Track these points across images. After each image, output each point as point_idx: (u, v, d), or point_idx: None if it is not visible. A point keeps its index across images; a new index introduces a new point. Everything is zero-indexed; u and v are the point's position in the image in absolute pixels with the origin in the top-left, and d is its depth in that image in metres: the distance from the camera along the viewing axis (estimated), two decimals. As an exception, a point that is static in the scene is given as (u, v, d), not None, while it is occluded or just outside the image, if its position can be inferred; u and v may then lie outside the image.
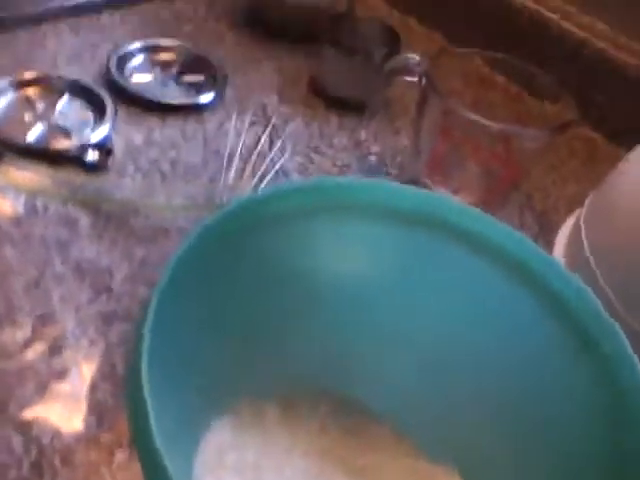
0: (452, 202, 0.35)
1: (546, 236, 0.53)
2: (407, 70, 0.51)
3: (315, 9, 0.67)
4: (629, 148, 0.46)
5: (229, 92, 0.60)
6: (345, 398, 0.38)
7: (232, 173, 0.50)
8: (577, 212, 0.50)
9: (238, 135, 0.55)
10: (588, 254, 0.43)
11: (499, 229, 0.34)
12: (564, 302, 0.32)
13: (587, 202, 0.48)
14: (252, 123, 0.57)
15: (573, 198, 0.58)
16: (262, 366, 0.35)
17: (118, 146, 0.51)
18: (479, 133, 0.49)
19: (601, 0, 0.65)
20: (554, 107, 0.52)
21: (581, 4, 0.66)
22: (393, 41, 0.61)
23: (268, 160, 0.53)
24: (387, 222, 0.35)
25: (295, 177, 0.53)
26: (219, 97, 0.58)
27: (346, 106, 0.61)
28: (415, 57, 0.51)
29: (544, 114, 0.52)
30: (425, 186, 0.54)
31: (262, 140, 0.55)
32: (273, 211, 0.32)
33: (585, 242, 0.45)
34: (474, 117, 0.49)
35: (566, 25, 0.65)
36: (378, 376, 0.38)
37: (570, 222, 0.50)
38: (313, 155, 0.56)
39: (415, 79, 0.51)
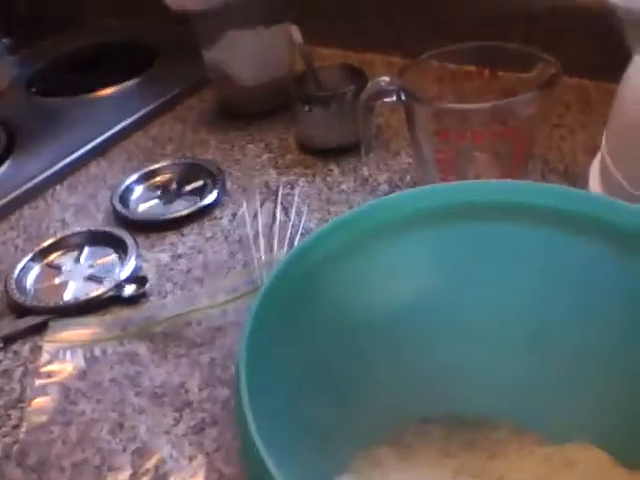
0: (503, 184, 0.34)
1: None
2: (383, 93, 0.52)
3: (277, 79, 0.69)
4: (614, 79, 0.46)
5: (230, 184, 0.61)
6: (454, 415, 0.37)
7: (262, 252, 0.51)
8: (598, 155, 0.50)
9: (254, 218, 0.55)
10: (620, 179, 0.43)
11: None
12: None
13: (604, 135, 0.47)
14: (262, 202, 0.58)
15: (586, 145, 0.58)
16: (364, 412, 0.34)
17: (150, 271, 0.52)
18: (473, 121, 0.50)
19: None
20: (534, 69, 0.52)
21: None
22: (358, 77, 0.62)
23: (290, 228, 0.53)
24: (438, 224, 0.34)
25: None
26: (222, 192, 0.59)
27: (340, 152, 0.62)
28: (385, 79, 0.52)
29: (527, 80, 0.52)
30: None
31: (277, 213, 0.56)
32: (326, 252, 0.32)
33: (615, 171, 0.44)
34: (463, 107, 0.49)
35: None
36: (482, 382, 0.36)
37: (595, 165, 0.49)
38: (329, 207, 0.56)
39: (393, 99, 0.51)
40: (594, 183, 0.48)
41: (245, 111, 0.71)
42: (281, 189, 0.59)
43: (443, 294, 0.35)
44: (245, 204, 0.57)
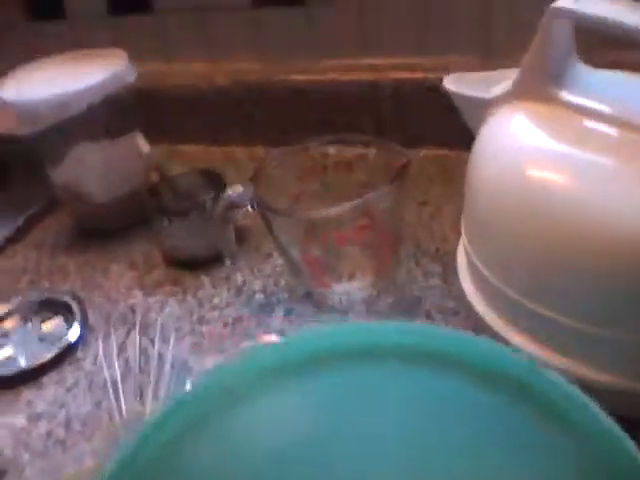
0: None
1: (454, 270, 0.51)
2: (237, 205, 0.49)
3: (131, 192, 0.65)
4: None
5: (92, 316, 0.56)
6: None
7: (127, 401, 0.45)
8: (461, 241, 0.49)
9: (119, 354, 0.50)
10: (475, 260, 0.42)
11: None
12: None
13: (462, 222, 0.47)
14: (128, 332, 0.53)
15: (454, 220, 0.57)
16: None
17: (3, 442, 0.45)
18: (332, 222, 0.47)
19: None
20: (379, 156, 0.51)
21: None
22: (216, 182, 0.60)
23: (159, 360, 0.49)
24: (299, 373, 0.31)
25: (194, 360, 0.49)
26: (84, 328, 0.54)
27: (209, 261, 0.58)
28: (237, 188, 0.49)
29: (379, 168, 0.51)
30: (319, 295, 0.52)
31: (144, 345, 0.51)
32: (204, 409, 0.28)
33: (470, 249, 0.43)
34: (316, 215, 0.47)
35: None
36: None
37: (461, 250, 0.48)
38: (201, 328, 0.52)
39: (248, 207, 0.49)
40: (462, 271, 0.47)
41: (103, 228, 0.66)
42: (144, 315, 0.54)
43: (323, 442, 0.32)
44: (110, 339, 0.52)
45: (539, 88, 0.41)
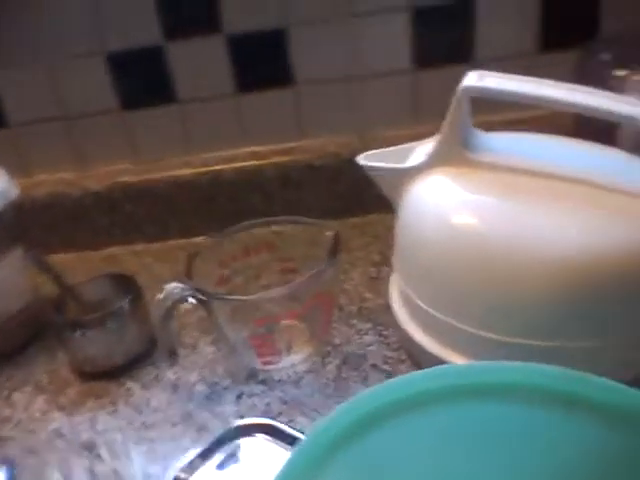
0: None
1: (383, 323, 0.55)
2: (179, 300, 0.48)
3: (22, 310, 0.60)
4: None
5: (15, 452, 0.50)
6: None
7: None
8: (393, 282, 0.53)
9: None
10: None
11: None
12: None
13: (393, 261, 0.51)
14: (64, 459, 0.48)
15: (364, 279, 0.62)
16: None
17: None
18: (273, 303, 0.49)
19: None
20: (298, 231, 0.54)
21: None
22: (126, 284, 0.58)
23: None
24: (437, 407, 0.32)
25: (157, 468, 0.46)
26: (11, 473, 0.48)
27: (131, 365, 0.55)
28: (177, 285, 0.49)
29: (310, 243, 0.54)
30: (265, 373, 0.52)
31: (90, 468, 0.47)
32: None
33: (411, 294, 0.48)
34: (258, 297, 0.48)
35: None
36: None
37: (394, 290, 0.53)
38: (151, 433, 0.49)
39: (192, 302, 0.49)
40: (399, 311, 0.51)
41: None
42: (80, 435, 0.50)
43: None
44: (45, 474, 0.47)
45: (453, 154, 0.47)
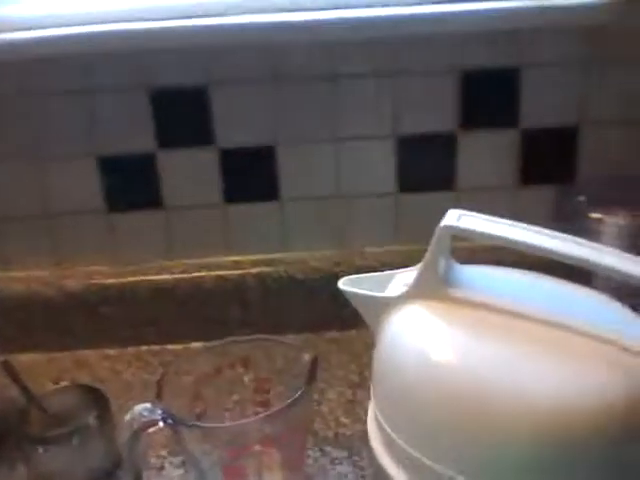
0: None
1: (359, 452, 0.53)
2: (148, 424, 0.47)
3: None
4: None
5: None
6: None
7: None
8: (371, 417, 0.52)
9: None
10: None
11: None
12: None
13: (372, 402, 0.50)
14: None
15: (340, 402, 0.61)
16: None
17: None
18: (250, 432, 0.47)
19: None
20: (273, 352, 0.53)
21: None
22: (94, 397, 0.56)
23: None
24: None
25: None
26: None
27: None
28: (145, 406, 0.47)
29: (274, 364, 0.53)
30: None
31: None
32: None
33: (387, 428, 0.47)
34: (233, 425, 0.47)
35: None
36: None
37: (372, 426, 0.51)
38: None
39: (161, 425, 0.47)
40: (377, 446, 0.50)
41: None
42: None
43: None
44: None
45: (433, 289, 0.47)
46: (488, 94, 0.66)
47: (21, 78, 0.65)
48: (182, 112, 0.67)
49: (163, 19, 0.60)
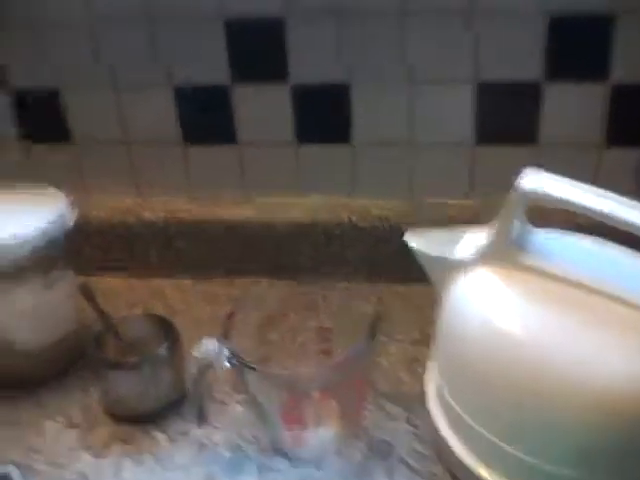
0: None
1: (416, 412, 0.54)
2: (214, 362, 0.49)
3: (63, 338, 0.62)
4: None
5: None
6: None
7: None
8: (432, 380, 0.52)
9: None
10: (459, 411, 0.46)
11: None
12: None
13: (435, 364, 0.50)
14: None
15: (402, 359, 0.61)
16: None
17: None
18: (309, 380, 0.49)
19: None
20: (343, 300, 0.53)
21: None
22: (167, 329, 0.58)
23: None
24: None
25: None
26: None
27: (160, 415, 0.56)
28: (212, 343, 0.49)
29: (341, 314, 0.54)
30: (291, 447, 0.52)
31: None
32: None
33: (452, 402, 0.47)
34: (299, 373, 0.48)
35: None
36: None
37: (432, 391, 0.52)
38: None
39: (226, 365, 0.48)
40: (435, 409, 0.50)
41: (31, 379, 0.61)
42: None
43: None
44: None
45: (504, 254, 0.46)
46: (579, 42, 0.61)
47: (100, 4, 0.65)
48: (257, 45, 0.65)
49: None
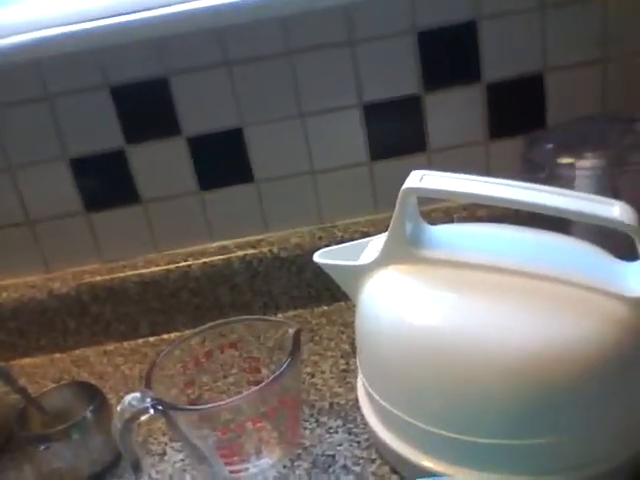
0: None
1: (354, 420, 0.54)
2: (139, 413, 0.47)
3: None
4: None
5: None
6: None
7: None
8: (360, 382, 0.53)
9: None
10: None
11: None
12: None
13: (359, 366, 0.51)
14: None
15: (333, 374, 0.61)
16: None
17: None
18: (243, 409, 0.48)
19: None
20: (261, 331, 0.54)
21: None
22: (90, 392, 0.57)
23: None
24: None
25: None
26: None
27: (100, 476, 0.54)
28: (135, 396, 0.48)
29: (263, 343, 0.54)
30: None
31: None
32: None
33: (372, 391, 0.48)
34: (226, 403, 0.48)
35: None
36: None
37: (361, 391, 0.52)
38: None
39: (152, 414, 0.47)
40: (366, 410, 0.51)
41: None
42: None
43: None
44: None
45: (402, 252, 0.48)
46: (449, 51, 0.65)
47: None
48: (145, 106, 0.67)
49: (110, 16, 0.60)
